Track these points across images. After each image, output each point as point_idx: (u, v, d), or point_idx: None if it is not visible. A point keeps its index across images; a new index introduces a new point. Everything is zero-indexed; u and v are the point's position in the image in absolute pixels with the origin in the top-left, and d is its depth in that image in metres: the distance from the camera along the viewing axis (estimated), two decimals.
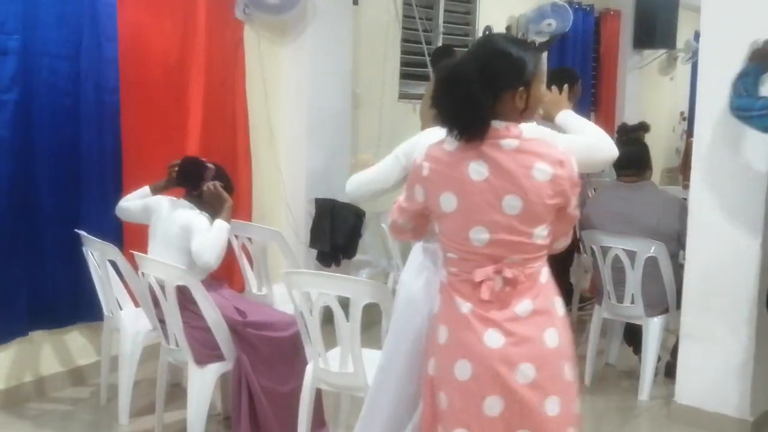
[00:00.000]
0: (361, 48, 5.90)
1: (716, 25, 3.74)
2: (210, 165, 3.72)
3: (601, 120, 8.02)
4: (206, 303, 3.34)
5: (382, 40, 6.16)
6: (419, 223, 2.39)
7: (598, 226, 4.35)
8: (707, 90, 3.76)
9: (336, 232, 5.14)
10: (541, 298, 2.18)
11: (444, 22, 6.75)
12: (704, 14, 3.79)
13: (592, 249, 4.40)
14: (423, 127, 3.22)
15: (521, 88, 2.17)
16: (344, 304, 3.02)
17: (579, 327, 5.37)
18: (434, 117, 2.25)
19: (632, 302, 4.26)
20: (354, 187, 2.94)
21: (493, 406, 2.17)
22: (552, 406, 2.18)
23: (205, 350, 3.42)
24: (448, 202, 2.19)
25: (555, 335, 2.18)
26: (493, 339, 2.15)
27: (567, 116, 2.70)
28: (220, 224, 3.51)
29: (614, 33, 8.66)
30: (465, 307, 2.19)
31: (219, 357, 3.43)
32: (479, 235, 2.15)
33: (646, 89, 9.24)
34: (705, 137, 3.78)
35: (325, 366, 3.12)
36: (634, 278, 4.21)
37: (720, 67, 3.63)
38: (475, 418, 2.19)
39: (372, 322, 3.48)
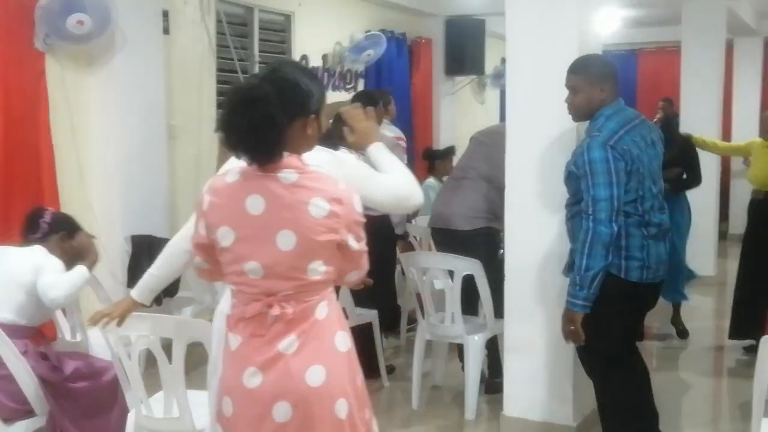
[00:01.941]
0: (175, 78, 5.74)
1: (520, 52, 3.92)
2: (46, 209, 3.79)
3: (420, 145, 8.22)
4: (7, 350, 3.07)
5: (197, 70, 6.03)
6: (216, 261, 2.27)
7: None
8: (515, 111, 3.95)
9: None
10: (311, 335, 2.14)
11: (259, 51, 6.70)
12: (509, 44, 3.96)
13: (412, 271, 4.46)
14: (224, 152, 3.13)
15: (312, 116, 2.19)
16: (166, 344, 2.87)
17: (409, 348, 5.43)
18: (222, 143, 2.18)
19: (453, 321, 4.32)
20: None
21: None
22: None
23: (12, 405, 3.15)
24: (225, 236, 2.14)
25: (321, 373, 2.13)
26: (252, 378, 2.12)
27: (378, 151, 2.69)
28: (81, 269, 3.52)
29: (427, 60, 8.94)
30: (234, 342, 2.18)
31: (29, 412, 3.16)
32: (254, 270, 2.12)
33: (460, 114, 9.59)
34: (515, 160, 3.95)
35: (148, 413, 2.95)
36: (452, 297, 4.27)
37: (525, 91, 3.86)
38: None
39: (197, 362, 3.33)
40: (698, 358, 5.69)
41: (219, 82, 6.25)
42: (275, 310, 2.10)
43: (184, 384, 2.88)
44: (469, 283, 4.25)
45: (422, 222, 5.87)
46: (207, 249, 2.23)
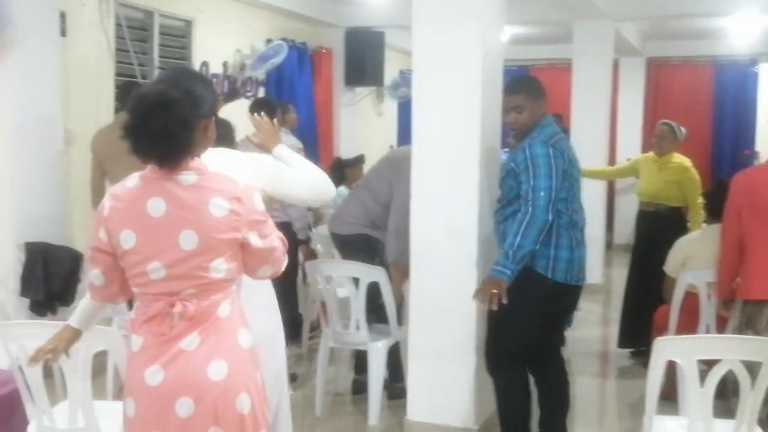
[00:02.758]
0: (72, 82, 5.59)
1: (425, 66, 4.02)
2: None
3: (324, 154, 8.25)
4: None
5: (95, 74, 5.89)
6: (113, 277, 2.27)
7: None
8: (421, 124, 4.05)
9: (51, 278, 4.79)
10: (212, 331, 2.19)
11: (159, 57, 6.59)
12: (415, 58, 4.05)
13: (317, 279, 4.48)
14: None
15: (212, 118, 2.35)
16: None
17: (311, 356, 5.45)
18: (130, 148, 2.15)
19: (357, 328, 4.34)
20: None
21: None
22: None
23: None
24: (127, 238, 2.18)
25: (224, 367, 2.18)
26: (154, 376, 2.17)
27: (283, 150, 2.94)
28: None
29: (328, 71, 8.99)
30: (136, 343, 2.21)
31: None
32: (156, 271, 2.17)
33: (361, 124, 9.69)
34: (421, 165, 4.04)
35: (50, 423, 2.86)
36: (357, 304, 4.30)
37: (430, 104, 3.99)
38: None
39: (98, 370, 3.25)
40: (587, 362, 5.94)
41: (118, 86, 6.10)
42: (177, 308, 2.15)
43: (91, 393, 2.81)
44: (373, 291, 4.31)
45: (325, 230, 5.89)
46: (105, 256, 2.25)
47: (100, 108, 5.90)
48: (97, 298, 2.37)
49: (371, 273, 4.28)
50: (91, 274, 2.31)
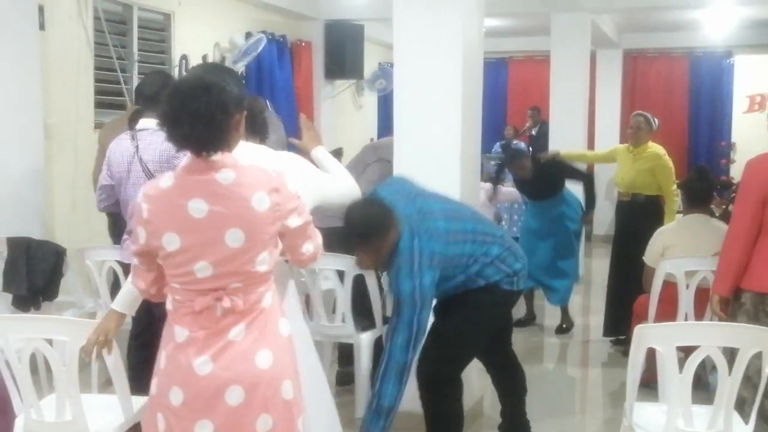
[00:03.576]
0: (51, 76, 5.56)
1: (406, 59, 4.04)
2: None
3: None
4: None
5: (74, 68, 5.85)
6: (158, 267, 2.32)
7: None
8: (403, 114, 4.07)
9: (33, 273, 4.75)
10: (257, 322, 2.25)
11: (139, 50, 6.57)
12: (396, 51, 4.07)
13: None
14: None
15: (244, 114, 2.29)
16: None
17: None
18: (167, 136, 2.18)
19: (343, 321, 4.34)
20: None
21: (204, 428, 2.23)
22: (264, 425, 2.25)
23: None
24: (170, 241, 2.19)
25: (269, 356, 2.24)
26: (203, 366, 2.20)
27: (321, 153, 3.03)
28: None
29: (307, 64, 8.98)
30: (182, 335, 2.23)
31: None
32: (203, 270, 2.19)
33: (341, 117, 9.70)
34: (403, 160, 4.07)
35: (38, 417, 2.87)
36: (343, 297, 4.28)
37: (412, 96, 4.02)
38: None
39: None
40: (569, 352, 6.01)
41: (97, 80, 6.09)
42: (226, 302, 2.18)
43: (78, 386, 2.82)
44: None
45: None
46: (147, 256, 2.28)
47: (79, 102, 5.87)
48: (153, 292, 2.38)
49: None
50: (141, 272, 2.35)
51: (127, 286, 2.64)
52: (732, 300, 3.48)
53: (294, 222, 2.28)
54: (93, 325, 2.90)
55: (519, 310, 6.07)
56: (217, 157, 2.17)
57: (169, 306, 2.31)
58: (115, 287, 4.49)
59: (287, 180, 2.29)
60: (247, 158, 2.31)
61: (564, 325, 6.25)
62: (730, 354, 2.86)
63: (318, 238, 2.44)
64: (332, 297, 4.43)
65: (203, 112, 2.10)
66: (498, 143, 10.42)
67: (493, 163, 8.20)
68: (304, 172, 2.77)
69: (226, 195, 2.15)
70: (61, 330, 2.82)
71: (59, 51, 5.69)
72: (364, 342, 4.37)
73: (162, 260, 2.25)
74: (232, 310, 2.19)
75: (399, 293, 3.16)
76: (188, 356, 2.21)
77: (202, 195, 2.15)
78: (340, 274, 4.30)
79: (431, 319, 3.37)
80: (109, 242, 4.81)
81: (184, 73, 5.76)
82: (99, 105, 6.12)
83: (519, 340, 6.24)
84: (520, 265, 3.45)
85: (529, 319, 6.40)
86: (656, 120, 5.72)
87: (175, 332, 2.25)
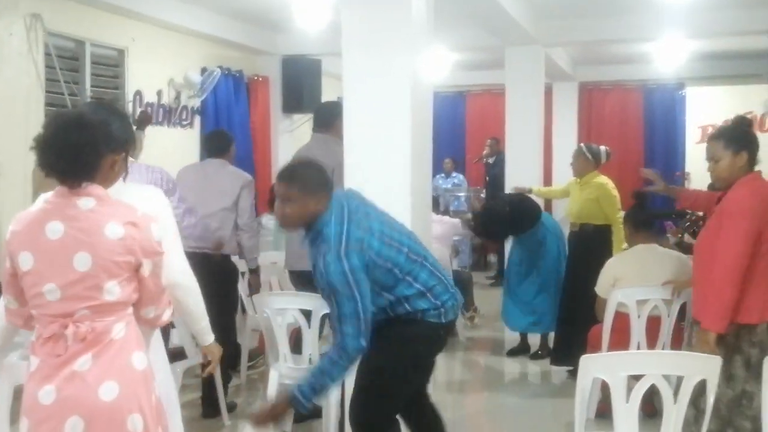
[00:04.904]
0: (0, 113, 5.48)
1: (356, 93, 4.10)
2: None
3: (261, 182, 8.22)
4: None
5: (23, 105, 5.79)
6: (24, 300, 2.33)
7: None
8: (353, 147, 4.09)
9: None
10: (106, 353, 2.25)
11: (91, 86, 6.52)
12: (345, 85, 4.12)
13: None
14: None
15: (123, 155, 2.44)
16: None
17: (249, 386, 5.40)
18: (38, 161, 2.25)
19: (310, 362, 4.10)
20: None
21: None
22: None
23: None
24: (25, 260, 2.26)
25: (114, 388, 2.23)
26: (47, 396, 2.21)
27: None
28: None
29: (264, 98, 8.99)
30: (33, 364, 2.27)
31: None
32: (51, 292, 2.24)
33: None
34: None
35: None
36: (311, 337, 4.15)
37: (361, 130, 4.05)
38: None
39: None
40: (523, 382, 6.01)
41: (47, 116, 6.02)
42: (70, 329, 2.21)
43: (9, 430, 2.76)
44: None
45: (267, 258, 5.86)
46: (14, 279, 2.31)
47: (29, 140, 5.75)
48: (13, 320, 2.42)
49: (324, 304, 3.96)
50: (5, 299, 2.39)
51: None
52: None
53: (147, 270, 2.31)
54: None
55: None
56: (84, 185, 2.26)
57: (32, 337, 2.32)
58: None
59: (153, 226, 2.34)
60: (126, 198, 2.39)
61: (539, 352, 6.35)
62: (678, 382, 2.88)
63: (164, 313, 2.46)
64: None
65: (71, 146, 2.21)
66: (438, 175, 10.60)
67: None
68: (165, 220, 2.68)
69: (82, 219, 2.24)
70: None
71: (9, 88, 5.64)
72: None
73: (21, 281, 2.29)
74: (77, 338, 2.21)
75: (330, 281, 2.95)
76: (35, 385, 2.24)
77: (60, 217, 2.24)
78: (307, 314, 4.14)
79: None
80: None
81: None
82: (43, 128, 6.02)
83: (474, 366, 6.30)
84: (448, 297, 3.25)
85: (524, 348, 6.51)
86: (603, 149, 5.89)
87: (30, 362, 2.29)
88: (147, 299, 2.38)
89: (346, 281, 2.95)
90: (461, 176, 11.32)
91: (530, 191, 6.62)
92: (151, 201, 2.71)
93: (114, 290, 2.26)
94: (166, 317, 2.48)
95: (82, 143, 2.21)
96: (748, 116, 4.58)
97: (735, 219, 3.38)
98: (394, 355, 3.23)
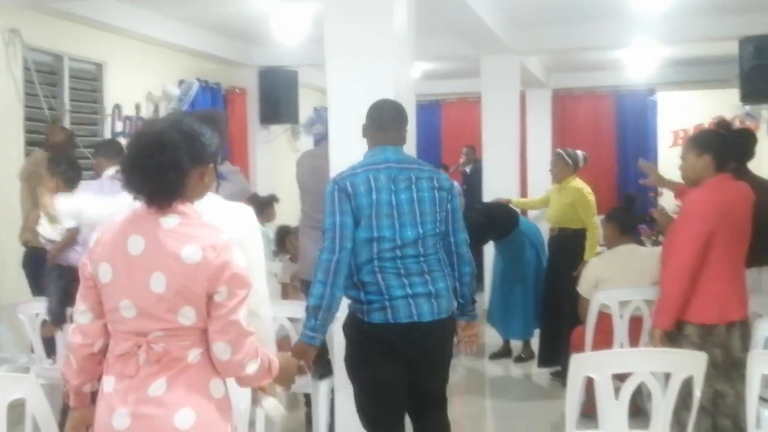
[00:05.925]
0: None
1: (340, 103, 4.14)
2: None
3: None
4: None
5: (3, 119, 5.78)
6: (99, 313, 2.26)
7: None
8: (338, 156, 4.11)
9: None
10: (181, 378, 2.16)
11: (70, 100, 6.52)
12: (330, 95, 4.17)
13: None
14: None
15: (210, 166, 2.27)
16: None
17: None
18: (123, 184, 2.19)
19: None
20: None
21: None
22: None
23: None
24: (105, 272, 2.20)
25: (191, 416, 2.14)
26: (120, 420, 2.15)
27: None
28: None
29: (242, 110, 9.02)
30: (108, 384, 2.20)
31: None
32: (128, 309, 2.16)
33: (277, 162, 9.71)
34: None
35: None
36: None
37: (346, 139, 4.01)
38: None
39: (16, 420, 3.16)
40: (508, 384, 6.07)
41: (27, 131, 6.01)
42: (143, 350, 2.13)
43: None
44: None
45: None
46: (91, 290, 2.24)
47: (9, 154, 5.78)
48: (80, 340, 2.29)
49: None
50: (78, 312, 2.29)
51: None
52: (675, 332, 3.46)
53: (221, 298, 2.13)
54: (22, 379, 2.82)
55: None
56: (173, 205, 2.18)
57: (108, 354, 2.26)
58: (49, 341, 4.40)
59: (236, 251, 2.17)
60: (210, 214, 2.29)
61: (523, 355, 6.42)
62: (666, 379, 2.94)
63: (243, 351, 2.17)
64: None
65: (154, 169, 2.11)
66: None
67: None
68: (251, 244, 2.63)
69: (162, 239, 2.14)
70: None
71: None
72: (322, 390, 4.20)
73: (99, 293, 2.23)
74: (150, 358, 2.14)
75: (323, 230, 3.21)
76: (109, 407, 2.17)
77: (143, 233, 2.15)
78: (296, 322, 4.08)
79: None
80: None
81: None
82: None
83: (457, 370, 6.34)
84: (376, 298, 3.15)
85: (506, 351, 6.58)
86: (580, 154, 5.96)
87: (104, 381, 2.23)
88: (219, 331, 2.15)
89: (333, 231, 3.15)
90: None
91: (509, 202, 6.69)
92: (240, 222, 2.63)
93: (188, 315, 2.13)
94: (249, 370, 2.20)
95: (165, 166, 2.11)
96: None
97: (687, 220, 3.47)
98: (347, 358, 3.40)
